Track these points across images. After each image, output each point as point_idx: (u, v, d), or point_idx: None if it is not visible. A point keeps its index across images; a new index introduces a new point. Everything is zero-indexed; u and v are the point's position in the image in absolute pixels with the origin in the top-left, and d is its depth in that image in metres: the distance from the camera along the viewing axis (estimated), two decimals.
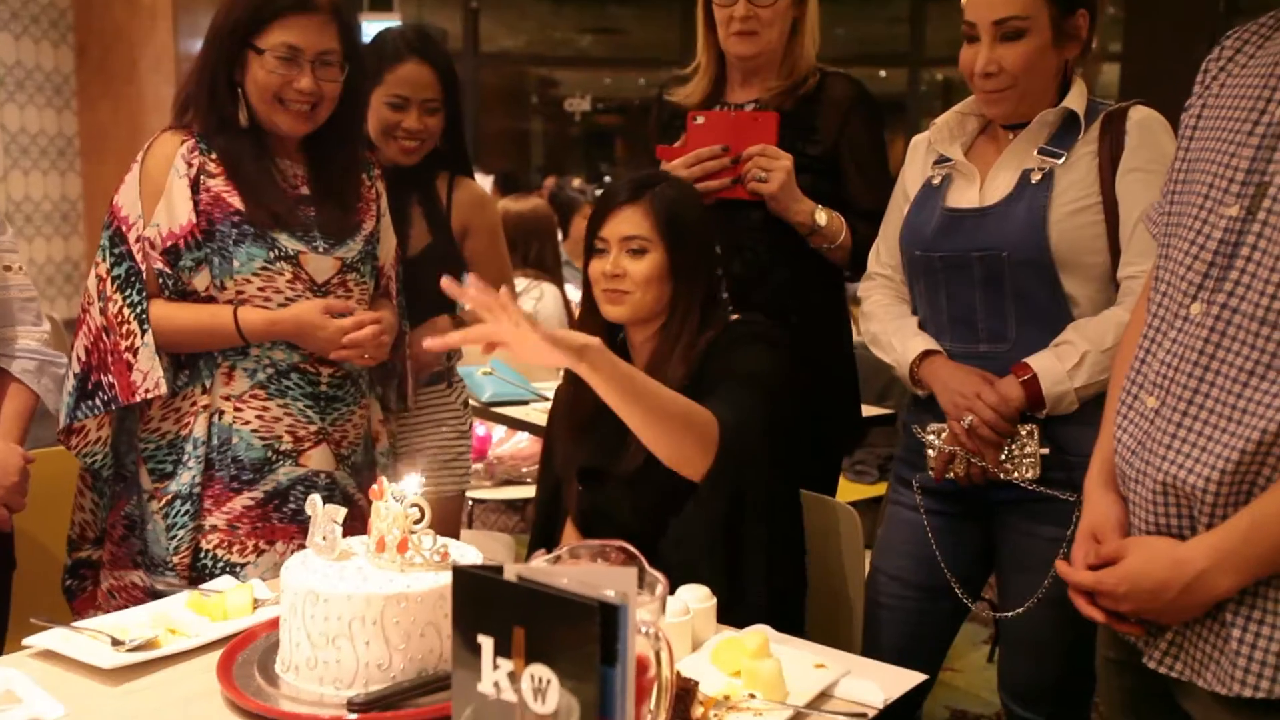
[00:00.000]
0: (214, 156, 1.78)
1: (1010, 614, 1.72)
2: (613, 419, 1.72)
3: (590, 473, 1.77)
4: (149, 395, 1.74)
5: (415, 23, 7.69)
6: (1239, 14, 6.62)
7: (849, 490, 3.33)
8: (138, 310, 1.74)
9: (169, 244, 1.75)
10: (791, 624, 1.60)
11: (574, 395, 1.79)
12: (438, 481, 2.26)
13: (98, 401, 1.76)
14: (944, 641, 1.91)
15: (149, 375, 1.73)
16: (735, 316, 1.75)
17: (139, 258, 1.75)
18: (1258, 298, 1.15)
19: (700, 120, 2.01)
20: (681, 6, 2.00)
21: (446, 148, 2.20)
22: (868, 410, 2.62)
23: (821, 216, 1.96)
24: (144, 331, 1.73)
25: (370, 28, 7.97)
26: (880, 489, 3.37)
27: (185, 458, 1.78)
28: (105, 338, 1.76)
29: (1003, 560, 1.78)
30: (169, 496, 1.78)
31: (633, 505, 1.69)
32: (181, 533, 1.77)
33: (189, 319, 1.76)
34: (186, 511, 1.77)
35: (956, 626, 1.91)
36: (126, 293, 1.74)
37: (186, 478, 1.77)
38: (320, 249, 1.81)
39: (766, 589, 1.63)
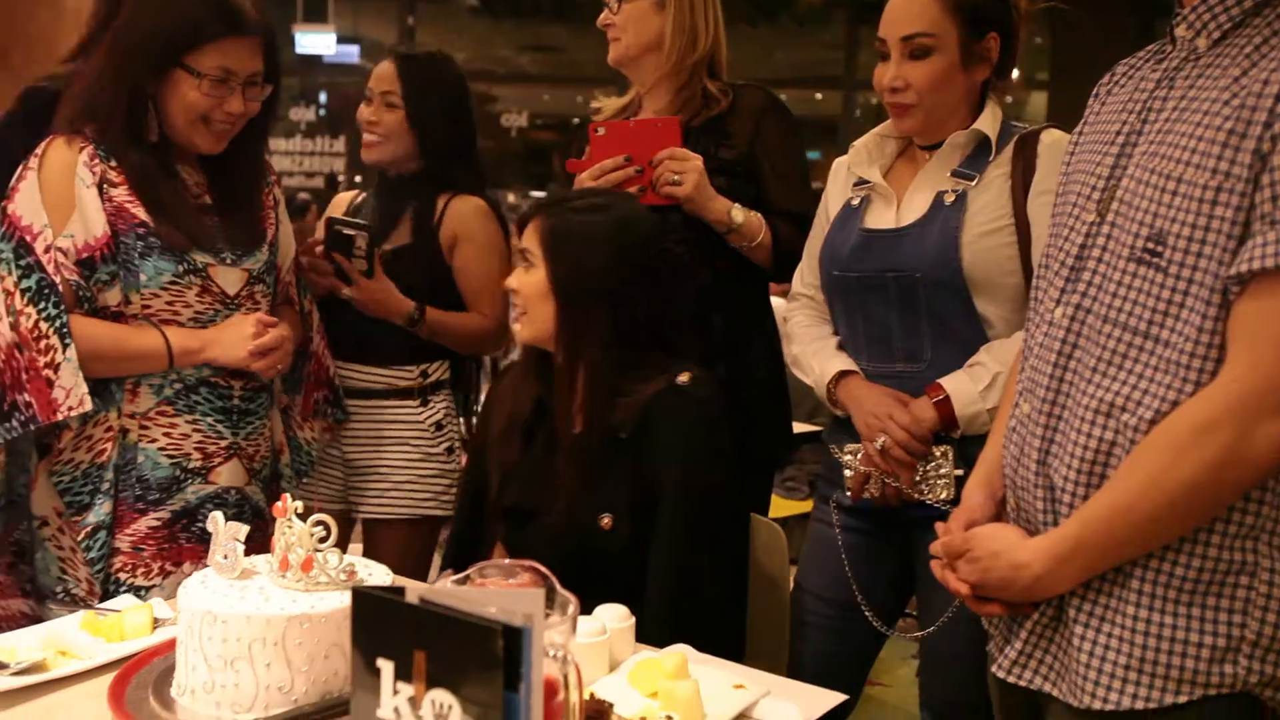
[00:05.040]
0: (114, 165, 1.71)
1: (924, 633, 1.72)
2: (541, 454, 1.70)
3: (514, 513, 1.73)
4: (72, 413, 1.65)
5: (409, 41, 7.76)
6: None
7: (780, 506, 3.34)
8: (57, 324, 1.64)
9: (84, 255, 1.67)
10: (731, 649, 1.59)
11: (505, 426, 1.75)
12: (386, 503, 2.23)
13: (15, 423, 1.65)
14: (866, 659, 1.92)
15: (72, 392, 1.64)
16: (684, 377, 1.66)
17: (50, 269, 1.66)
18: (1107, 298, 1.19)
19: (601, 131, 2.00)
20: None
21: (438, 163, 2.22)
22: (800, 427, 2.63)
23: (738, 215, 1.96)
24: (65, 346, 1.64)
25: (304, 39, 7.88)
26: (810, 505, 3.39)
27: (105, 486, 1.70)
28: (18, 354, 1.65)
29: (920, 579, 1.78)
30: (89, 529, 1.69)
31: (557, 552, 1.63)
32: (104, 564, 1.69)
33: (111, 338, 1.68)
34: (107, 543, 1.69)
35: (879, 644, 1.92)
36: (41, 305, 1.65)
37: (107, 507, 1.70)
38: (228, 260, 1.77)
39: (715, 624, 1.61)
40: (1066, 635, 1.23)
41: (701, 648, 1.45)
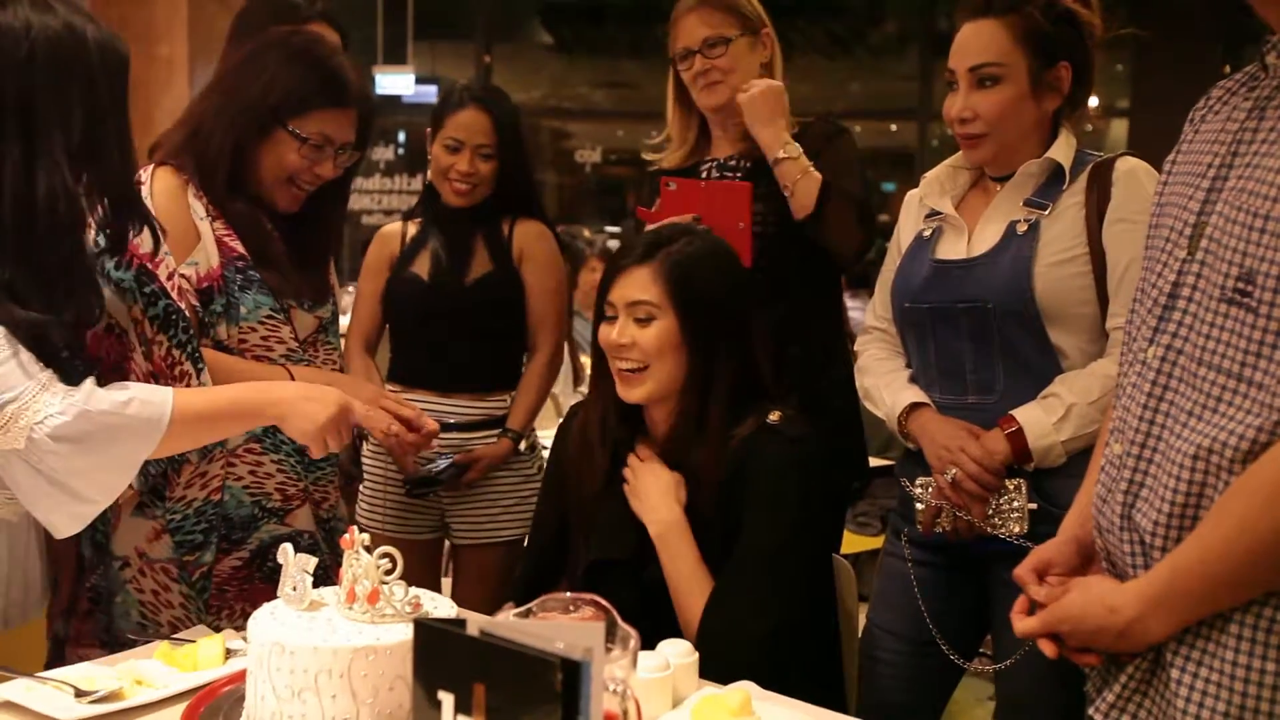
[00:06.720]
0: (209, 200, 1.72)
1: (1001, 665, 1.67)
2: (619, 500, 1.64)
3: (598, 567, 1.67)
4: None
5: (481, 80, 7.88)
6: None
7: (852, 542, 3.29)
8: (189, 350, 1.61)
9: (204, 285, 1.67)
10: (829, 693, 1.55)
11: (585, 479, 1.70)
12: (490, 528, 2.32)
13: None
14: (941, 697, 1.88)
15: None
16: (774, 416, 1.62)
17: (175, 295, 1.62)
18: (1199, 339, 1.15)
19: (673, 186, 2.03)
20: None
21: (506, 194, 2.29)
22: (872, 461, 2.59)
23: (792, 149, 1.95)
24: (199, 370, 1.62)
25: (384, 80, 8.07)
26: (882, 541, 3.33)
27: (216, 523, 1.69)
28: (155, 384, 1.60)
29: (995, 615, 1.74)
30: (204, 568, 1.67)
31: (646, 595, 1.60)
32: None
33: (246, 371, 1.67)
34: (209, 584, 1.68)
35: (953, 681, 1.88)
36: (171, 332, 1.60)
37: (214, 545, 1.68)
38: (306, 305, 1.80)
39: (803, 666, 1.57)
40: (1164, 679, 1.18)
41: (769, 685, 1.42)
